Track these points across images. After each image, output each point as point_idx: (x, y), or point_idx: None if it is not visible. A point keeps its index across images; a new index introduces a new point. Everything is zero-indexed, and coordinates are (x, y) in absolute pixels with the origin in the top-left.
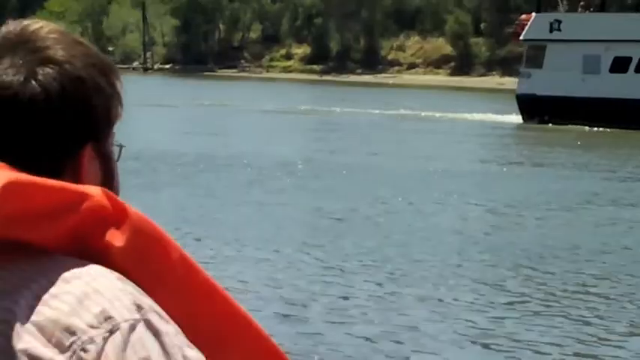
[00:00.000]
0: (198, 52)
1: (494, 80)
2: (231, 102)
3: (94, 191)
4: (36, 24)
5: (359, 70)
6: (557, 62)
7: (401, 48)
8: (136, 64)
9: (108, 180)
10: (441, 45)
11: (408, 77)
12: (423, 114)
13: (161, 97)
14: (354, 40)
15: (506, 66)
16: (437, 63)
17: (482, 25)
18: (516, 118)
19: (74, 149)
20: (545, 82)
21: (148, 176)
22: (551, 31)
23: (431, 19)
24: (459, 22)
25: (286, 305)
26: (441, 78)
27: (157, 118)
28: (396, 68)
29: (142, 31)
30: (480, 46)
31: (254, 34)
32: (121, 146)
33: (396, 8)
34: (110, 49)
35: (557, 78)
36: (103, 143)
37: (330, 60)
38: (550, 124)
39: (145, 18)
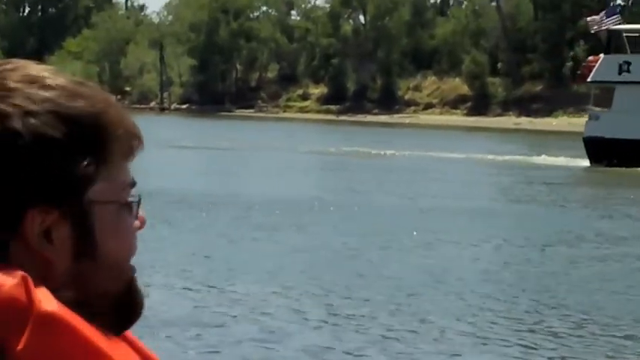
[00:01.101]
0: (215, 92)
1: (510, 120)
2: (247, 143)
3: (6, 281)
4: (8, 64)
5: (375, 110)
6: (626, 104)
7: (417, 88)
8: (153, 104)
9: (85, 245)
10: (457, 85)
11: (424, 117)
12: (489, 157)
13: (175, 138)
14: (371, 80)
15: (522, 106)
16: (453, 103)
17: (498, 65)
18: (581, 162)
19: (11, 218)
20: (614, 125)
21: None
22: (620, 72)
23: (447, 59)
24: (476, 62)
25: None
26: (457, 118)
27: (169, 158)
28: (413, 108)
29: (159, 70)
30: (496, 86)
31: (271, 74)
32: (139, 199)
33: (412, 48)
34: (127, 89)
35: (627, 120)
36: (72, 205)
37: (346, 100)
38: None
39: (162, 58)
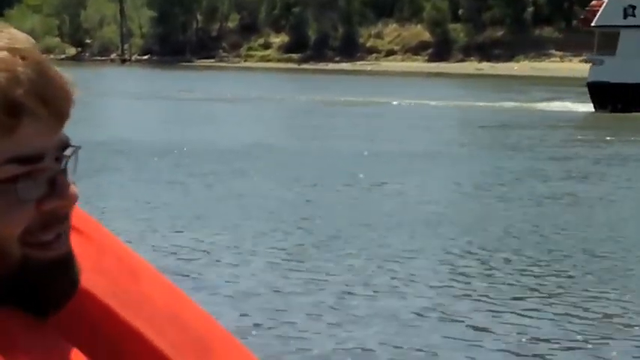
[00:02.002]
0: (176, 43)
1: (472, 65)
2: (205, 93)
3: None
4: None
5: (337, 58)
6: (632, 48)
7: (379, 35)
8: (113, 55)
9: None
10: (419, 32)
11: (386, 64)
12: (498, 104)
13: (135, 89)
14: (332, 29)
15: (484, 51)
16: (415, 50)
17: (460, 11)
18: (584, 107)
19: None
20: (619, 70)
21: (109, 165)
22: (625, 17)
23: (409, 6)
24: (437, 9)
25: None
26: (419, 64)
27: (130, 110)
28: (375, 55)
29: (119, 22)
30: (457, 32)
31: (232, 24)
32: (75, 148)
33: None
34: (88, 41)
35: (632, 65)
36: None
37: (308, 49)
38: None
39: (122, 10)
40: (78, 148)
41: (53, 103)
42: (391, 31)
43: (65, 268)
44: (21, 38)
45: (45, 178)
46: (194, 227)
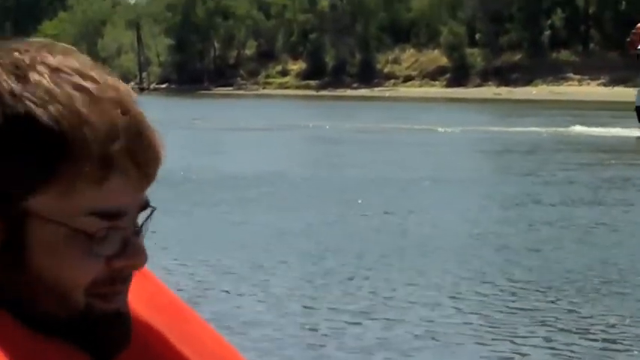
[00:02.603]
0: (194, 71)
1: (490, 90)
2: (226, 121)
3: None
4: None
5: (355, 85)
6: None
7: (396, 61)
8: (131, 84)
9: (11, 254)
10: (436, 57)
11: (404, 90)
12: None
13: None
14: (350, 55)
15: (502, 76)
16: (432, 75)
17: (477, 36)
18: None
19: None
20: None
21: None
22: None
23: (425, 31)
24: (454, 34)
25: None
26: (437, 89)
27: None
28: (392, 81)
29: (136, 51)
30: (475, 56)
31: (249, 52)
32: (153, 209)
33: (390, 21)
34: None
35: None
36: (3, 207)
37: (326, 75)
38: None
39: (139, 38)
40: (154, 209)
41: (144, 163)
42: (408, 56)
43: (121, 321)
44: (124, 90)
45: (120, 237)
46: (200, 255)
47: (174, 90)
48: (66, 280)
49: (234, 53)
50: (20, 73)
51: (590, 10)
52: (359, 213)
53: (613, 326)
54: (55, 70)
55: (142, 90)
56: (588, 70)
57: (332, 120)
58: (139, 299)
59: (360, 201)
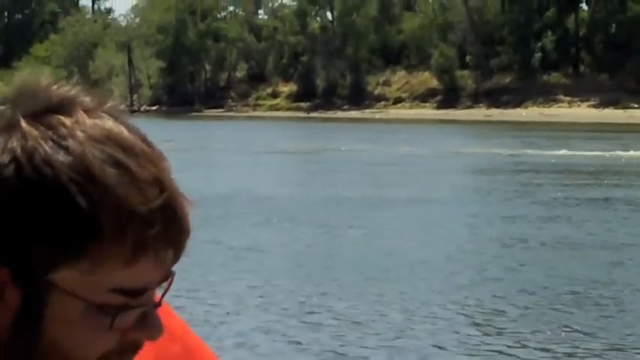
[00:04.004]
0: (185, 93)
1: (481, 112)
2: (215, 144)
3: None
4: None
5: (346, 107)
6: None
7: (387, 83)
8: (122, 106)
9: (26, 322)
10: (426, 79)
11: (394, 112)
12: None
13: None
14: (340, 77)
15: (492, 98)
16: (423, 97)
17: (467, 58)
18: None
19: None
20: None
21: None
22: None
23: (416, 53)
24: (444, 56)
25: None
26: (428, 111)
27: None
28: (383, 103)
29: (127, 73)
30: (465, 79)
31: (240, 74)
32: (172, 275)
33: (381, 43)
34: None
35: None
36: (25, 276)
37: (316, 97)
38: None
39: (130, 61)
40: (174, 274)
41: (176, 241)
42: (399, 78)
43: None
44: (162, 165)
45: (139, 312)
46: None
47: (165, 112)
48: (79, 351)
49: (225, 75)
50: (57, 139)
51: (581, 33)
52: (334, 233)
53: (595, 339)
54: (93, 140)
55: (132, 112)
56: (578, 92)
57: (325, 142)
58: (146, 352)
59: (332, 221)
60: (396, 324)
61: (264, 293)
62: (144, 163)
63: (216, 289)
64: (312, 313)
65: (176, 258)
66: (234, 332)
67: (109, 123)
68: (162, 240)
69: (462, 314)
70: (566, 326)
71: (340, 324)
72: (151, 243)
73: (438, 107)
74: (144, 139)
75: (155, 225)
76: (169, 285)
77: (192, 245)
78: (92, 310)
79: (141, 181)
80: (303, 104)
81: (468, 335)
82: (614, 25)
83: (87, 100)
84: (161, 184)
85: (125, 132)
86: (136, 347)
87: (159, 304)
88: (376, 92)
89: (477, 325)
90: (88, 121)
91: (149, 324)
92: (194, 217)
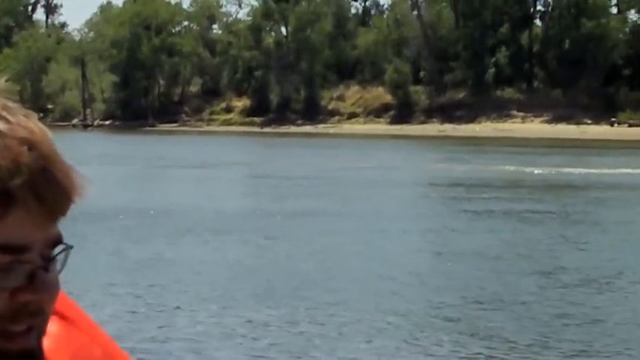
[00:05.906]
0: (139, 108)
1: (434, 127)
2: (167, 158)
3: None
4: None
5: (299, 122)
6: None
7: (341, 98)
8: (75, 121)
9: None
10: (380, 94)
11: (348, 127)
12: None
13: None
14: (294, 92)
15: (446, 113)
16: (377, 112)
17: (421, 74)
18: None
19: None
20: None
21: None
22: None
23: (370, 68)
24: (398, 71)
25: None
26: (381, 126)
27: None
28: (337, 118)
29: (81, 88)
30: (419, 94)
31: (194, 89)
32: (67, 247)
33: (335, 59)
34: (50, 106)
35: None
36: None
37: (270, 112)
38: None
39: (84, 75)
40: (70, 247)
41: (48, 199)
42: (353, 93)
43: None
44: (36, 130)
45: (25, 271)
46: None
47: (119, 127)
48: None
49: (178, 90)
50: None
51: (535, 49)
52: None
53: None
54: None
55: (85, 127)
56: (532, 107)
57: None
58: (64, 352)
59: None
60: (329, 333)
61: (199, 307)
62: (16, 127)
63: (150, 301)
64: (247, 324)
65: (52, 218)
66: (166, 345)
67: None
68: (33, 197)
69: (392, 323)
70: (492, 334)
71: (277, 336)
72: (18, 194)
73: (392, 122)
74: (27, 115)
75: (19, 175)
76: (66, 257)
77: (138, 257)
78: None
79: (7, 137)
80: (256, 119)
81: (399, 342)
82: (567, 41)
83: None
84: (31, 143)
85: (6, 107)
86: (29, 312)
87: (47, 266)
88: (330, 107)
89: (410, 331)
90: None
91: (37, 285)
92: (141, 226)
